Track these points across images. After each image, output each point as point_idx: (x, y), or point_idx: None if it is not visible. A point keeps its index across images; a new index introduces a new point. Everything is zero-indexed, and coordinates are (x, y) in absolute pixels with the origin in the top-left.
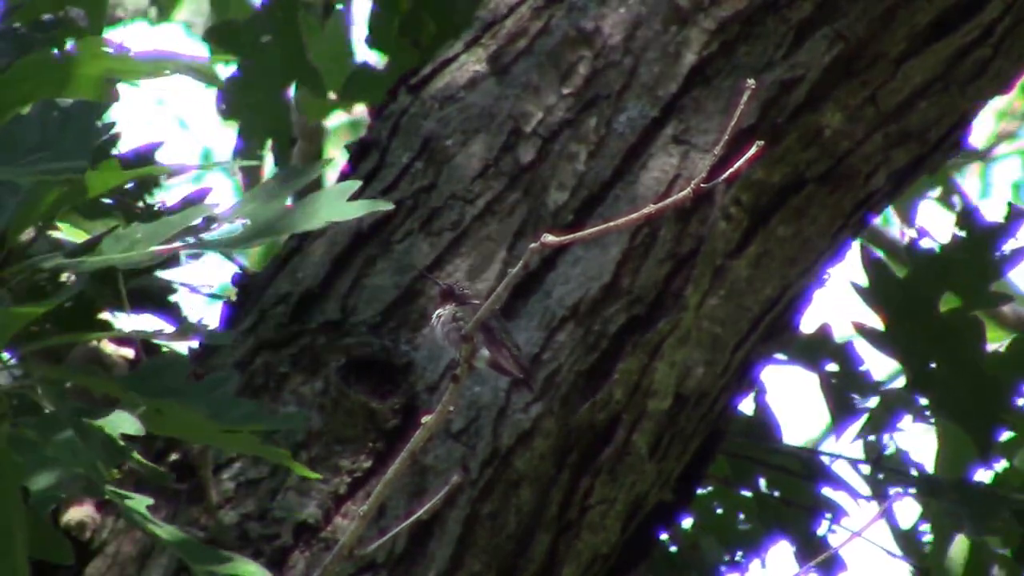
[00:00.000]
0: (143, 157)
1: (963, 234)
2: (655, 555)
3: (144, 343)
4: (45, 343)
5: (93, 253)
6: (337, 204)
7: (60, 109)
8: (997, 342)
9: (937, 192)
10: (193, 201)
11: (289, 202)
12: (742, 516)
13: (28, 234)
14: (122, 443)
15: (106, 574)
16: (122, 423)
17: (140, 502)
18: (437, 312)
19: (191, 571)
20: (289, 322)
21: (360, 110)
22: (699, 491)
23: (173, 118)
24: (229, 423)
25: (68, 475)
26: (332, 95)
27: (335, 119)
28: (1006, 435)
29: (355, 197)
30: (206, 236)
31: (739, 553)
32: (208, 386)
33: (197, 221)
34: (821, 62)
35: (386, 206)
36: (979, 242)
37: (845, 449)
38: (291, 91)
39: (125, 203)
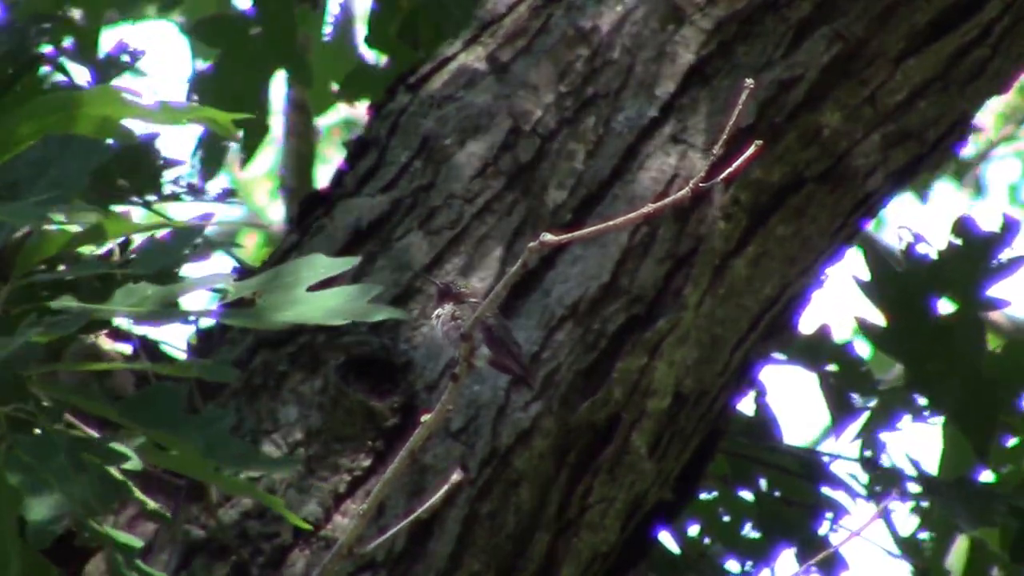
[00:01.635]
0: (141, 147)
1: (959, 242)
2: (657, 558)
3: (142, 339)
4: (49, 368)
5: (99, 297)
6: (357, 304)
7: (61, 136)
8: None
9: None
10: (191, 232)
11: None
12: (748, 524)
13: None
14: (120, 477)
15: (106, 572)
16: (122, 460)
17: (132, 543)
18: (436, 311)
19: (191, 571)
20: None
21: (351, 110)
22: (704, 497)
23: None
24: (222, 461)
25: (66, 507)
26: (334, 86)
27: (328, 119)
28: (1012, 441)
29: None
30: (215, 309)
31: (748, 563)
32: (204, 421)
33: (210, 287)
34: (820, 62)
35: (400, 315)
36: (975, 251)
37: (845, 449)
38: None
39: (136, 182)
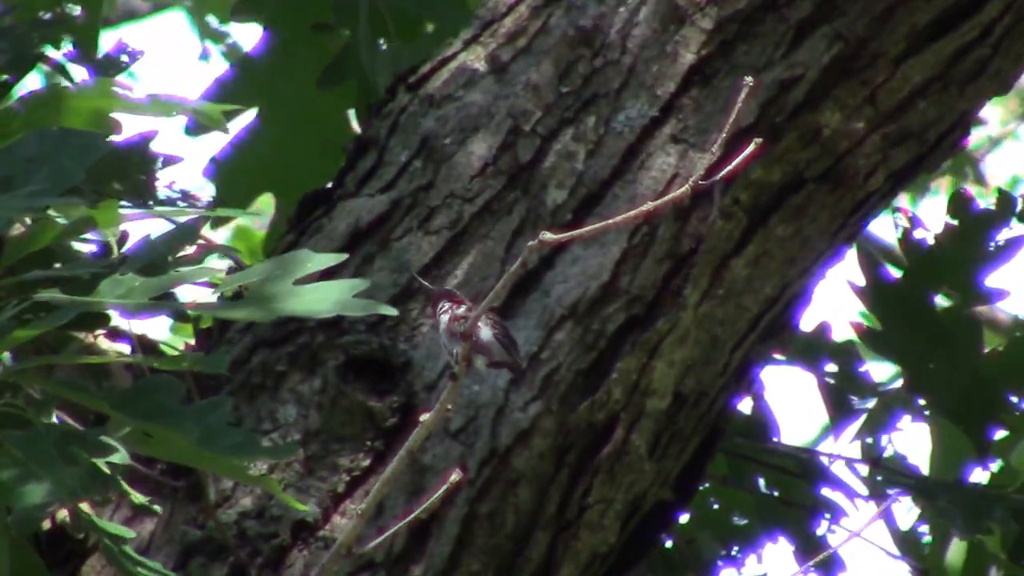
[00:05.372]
0: (137, 146)
1: (955, 223)
2: (655, 557)
3: (140, 339)
4: (44, 361)
5: (89, 293)
6: (343, 297)
7: (59, 128)
8: (992, 347)
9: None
10: (186, 231)
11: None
12: (738, 511)
13: (19, 228)
14: (107, 471)
15: (102, 573)
16: (109, 452)
17: (122, 532)
18: (440, 314)
19: (188, 572)
20: (287, 320)
21: None
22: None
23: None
24: (219, 451)
25: (53, 495)
26: None
27: None
28: (1001, 434)
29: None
30: (202, 300)
31: (735, 548)
32: (201, 411)
33: (197, 281)
34: (820, 61)
35: (390, 311)
36: (972, 230)
37: (843, 450)
38: None
39: (130, 185)
